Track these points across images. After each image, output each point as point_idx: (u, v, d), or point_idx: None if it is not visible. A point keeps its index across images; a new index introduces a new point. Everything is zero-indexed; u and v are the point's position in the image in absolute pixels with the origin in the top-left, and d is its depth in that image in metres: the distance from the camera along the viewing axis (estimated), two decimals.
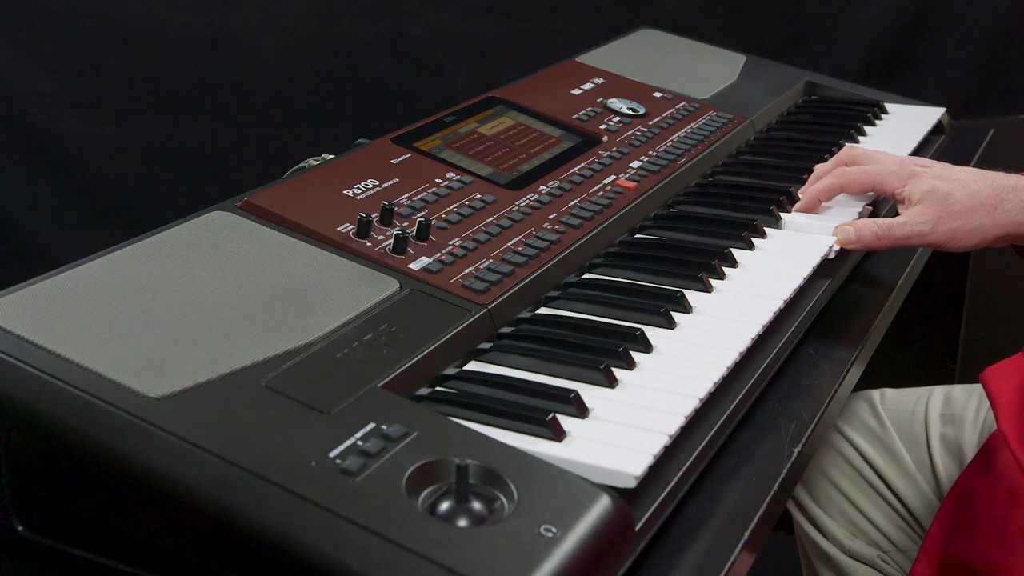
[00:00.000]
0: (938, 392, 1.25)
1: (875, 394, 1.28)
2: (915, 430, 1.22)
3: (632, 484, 0.71)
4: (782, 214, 1.15)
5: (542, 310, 0.96)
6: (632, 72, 1.47)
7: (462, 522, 0.64)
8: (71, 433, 0.70)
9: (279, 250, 0.91)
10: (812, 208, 1.16)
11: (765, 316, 0.94)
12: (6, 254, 2.13)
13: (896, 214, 1.10)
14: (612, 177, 1.16)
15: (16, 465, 0.73)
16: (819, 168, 1.19)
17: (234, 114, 2.16)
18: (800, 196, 1.17)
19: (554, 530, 0.63)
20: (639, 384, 0.83)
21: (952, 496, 1.05)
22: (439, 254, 0.94)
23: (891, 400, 1.27)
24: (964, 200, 1.05)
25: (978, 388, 1.21)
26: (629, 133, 1.28)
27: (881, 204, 1.21)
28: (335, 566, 0.61)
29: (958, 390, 1.24)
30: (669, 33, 1.69)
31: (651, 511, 0.72)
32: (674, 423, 0.77)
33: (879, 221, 1.07)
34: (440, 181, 1.07)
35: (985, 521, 0.97)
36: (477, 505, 0.65)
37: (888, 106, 1.54)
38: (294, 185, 1.02)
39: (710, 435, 0.80)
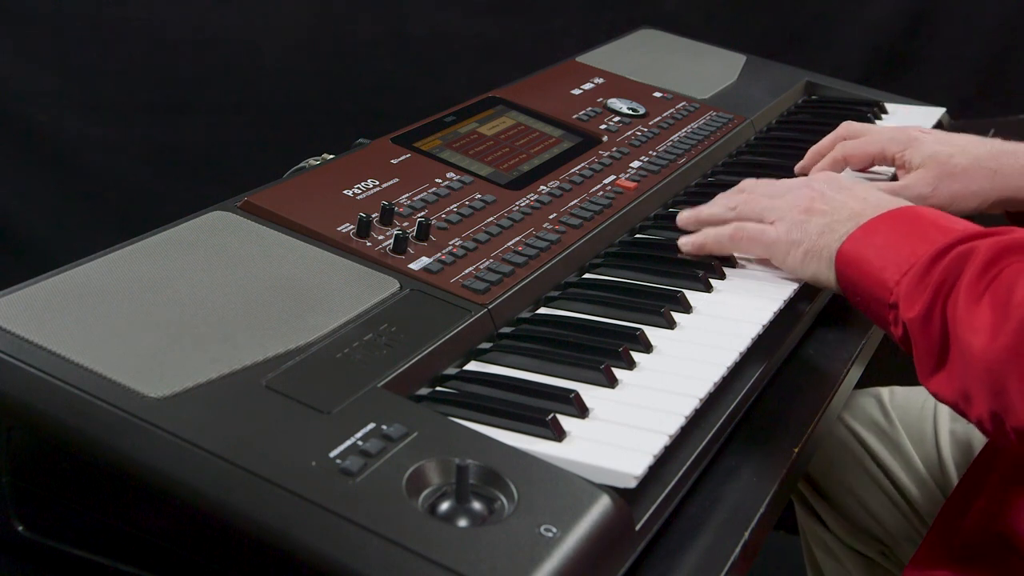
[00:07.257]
0: None
1: (884, 391, 1.28)
2: (924, 427, 1.22)
3: (632, 484, 0.71)
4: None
5: (542, 310, 0.96)
6: (632, 72, 1.47)
7: (462, 522, 0.64)
8: (71, 433, 0.70)
9: (279, 250, 0.91)
10: None
11: (765, 316, 0.93)
12: (6, 254, 2.13)
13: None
14: (612, 177, 1.16)
15: (16, 465, 0.73)
16: (817, 146, 1.21)
17: (234, 114, 2.16)
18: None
19: (554, 530, 0.63)
20: (639, 384, 0.83)
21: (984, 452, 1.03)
22: (439, 254, 0.94)
23: (900, 397, 1.27)
24: (964, 163, 1.07)
25: None
26: (629, 133, 1.28)
27: None
28: (335, 566, 0.61)
29: None
30: (669, 33, 1.69)
31: (651, 511, 0.72)
32: (674, 423, 0.77)
33: (883, 185, 1.08)
34: (440, 181, 1.07)
35: None
36: (477, 505, 0.65)
37: (888, 106, 1.54)
38: (294, 185, 1.02)
39: (710, 435, 0.80)
